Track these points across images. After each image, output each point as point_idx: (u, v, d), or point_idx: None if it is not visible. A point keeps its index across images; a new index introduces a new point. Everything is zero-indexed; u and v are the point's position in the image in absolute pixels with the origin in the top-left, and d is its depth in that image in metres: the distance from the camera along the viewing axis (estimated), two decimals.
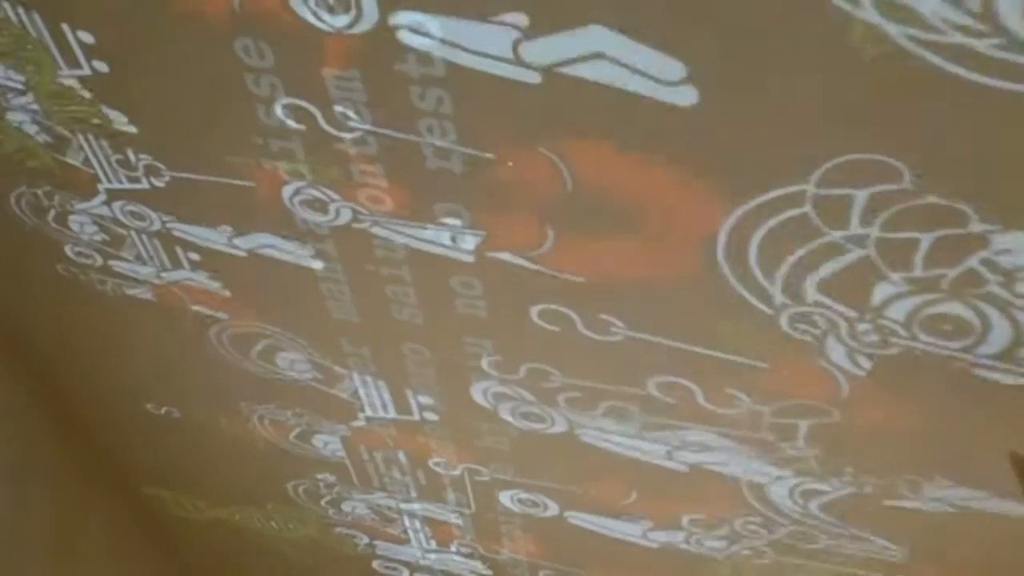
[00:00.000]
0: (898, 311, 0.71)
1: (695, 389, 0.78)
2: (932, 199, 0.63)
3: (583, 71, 0.64)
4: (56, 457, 1.34)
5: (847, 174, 0.64)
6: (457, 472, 1.10)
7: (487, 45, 0.65)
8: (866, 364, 0.76)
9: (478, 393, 0.96)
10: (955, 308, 0.70)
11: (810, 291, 0.71)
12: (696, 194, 0.67)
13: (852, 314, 0.72)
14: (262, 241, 0.96)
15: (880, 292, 0.70)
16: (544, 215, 0.74)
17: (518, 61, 0.65)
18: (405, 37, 0.67)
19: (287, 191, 0.86)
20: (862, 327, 0.73)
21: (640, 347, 0.77)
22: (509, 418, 0.97)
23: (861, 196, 0.64)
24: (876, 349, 0.74)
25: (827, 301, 0.71)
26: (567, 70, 0.64)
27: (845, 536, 0.99)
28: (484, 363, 0.88)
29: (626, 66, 0.62)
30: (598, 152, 0.67)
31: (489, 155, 0.71)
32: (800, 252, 0.68)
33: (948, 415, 0.80)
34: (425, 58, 0.68)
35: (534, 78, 0.66)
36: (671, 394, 0.81)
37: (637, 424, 0.87)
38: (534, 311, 0.78)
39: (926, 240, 0.65)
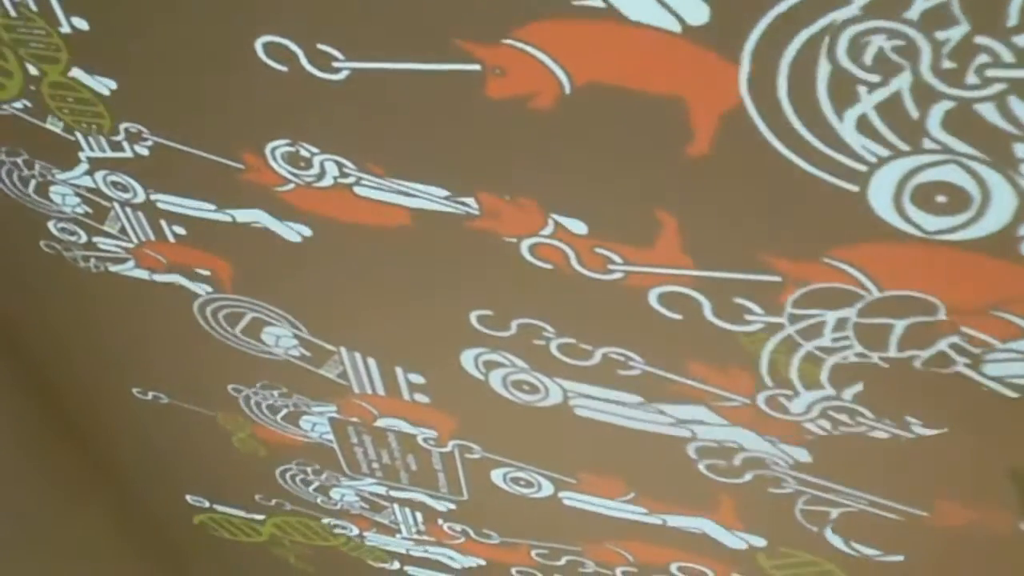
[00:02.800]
0: None
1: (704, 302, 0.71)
2: None
3: None
4: (38, 443, 1.28)
5: None
6: (447, 449, 1.03)
7: None
8: None
9: (468, 361, 0.89)
10: None
11: None
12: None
13: None
14: (250, 215, 0.91)
15: None
16: None
17: None
18: None
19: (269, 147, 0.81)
20: None
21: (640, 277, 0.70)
22: (501, 389, 0.91)
23: None
24: None
25: None
26: None
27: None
28: (473, 319, 0.81)
29: None
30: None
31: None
32: None
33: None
34: None
35: None
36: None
37: (635, 384, 0.80)
38: (524, 245, 0.71)
39: None
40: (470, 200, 0.74)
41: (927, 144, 0.56)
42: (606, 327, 0.75)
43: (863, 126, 0.57)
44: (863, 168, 0.59)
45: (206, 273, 0.99)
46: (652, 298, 0.70)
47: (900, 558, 0.89)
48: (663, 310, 0.72)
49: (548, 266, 0.72)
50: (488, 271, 0.77)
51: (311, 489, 1.24)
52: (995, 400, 0.73)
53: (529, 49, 0.62)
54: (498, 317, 0.80)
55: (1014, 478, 0.81)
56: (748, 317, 0.67)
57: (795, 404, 0.76)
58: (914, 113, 0.55)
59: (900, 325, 0.66)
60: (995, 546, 0.86)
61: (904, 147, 0.57)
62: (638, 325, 0.73)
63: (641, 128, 0.63)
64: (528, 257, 0.72)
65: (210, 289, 1.01)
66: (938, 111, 0.55)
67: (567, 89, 0.63)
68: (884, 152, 0.58)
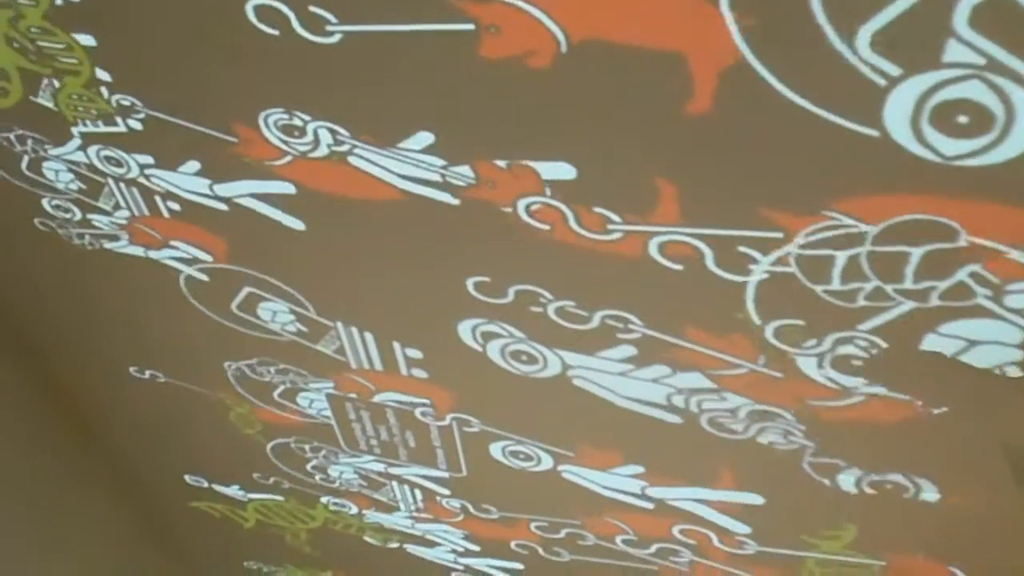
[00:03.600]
0: None
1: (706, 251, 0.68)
2: None
3: None
4: (35, 424, 1.26)
5: None
6: (445, 423, 1.02)
7: None
8: None
9: (466, 332, 0.87)
10: None
11: None
12: None
13: None
14: (243, 188, 0.89)
15: None
16: None
17: None
18: None
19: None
20: None
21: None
22: (499, 360, 0.89)
23: None
24: None
25: None
26: None
27: None
28: (470, 286, 0.80)
29: None
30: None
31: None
32: None
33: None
34: None
35: None
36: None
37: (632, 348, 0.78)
38: (521, 205, 0.69)
39: None
40: (465, 168, 0.73)
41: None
42: (604, 288, 0.73)
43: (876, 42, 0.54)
44: (881, 82, 0.56)
45: (201, 249, 0.98)
46: (652, 249, 0.68)
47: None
48: (664, 261, 0.69)
49: (545, 227, 0.70)
50: (485, 237, 0.75)
51: (309, 467, 1.22)
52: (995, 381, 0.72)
53: (524, 5, 0.60)
54: (495, 284, 0.78)
55: (1007, 453, 0.80)
56: (751, 267, 0.65)
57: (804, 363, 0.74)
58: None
59: (917, 253, 0.62)
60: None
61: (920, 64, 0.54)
62: (637, 284, 0.71)
63: (640, 85, 0.61)
64: (525, 218, 0.70)
65: (206, 264, 0.99)
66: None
67: (563, 47, 0.61)
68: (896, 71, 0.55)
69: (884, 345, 0.70)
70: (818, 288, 0.67)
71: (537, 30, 0.61)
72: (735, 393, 0.79)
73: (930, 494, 0.84)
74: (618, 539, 1.02)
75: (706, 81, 0.58)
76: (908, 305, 0.66)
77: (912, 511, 0.87)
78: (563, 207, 0.68)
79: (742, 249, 0.66)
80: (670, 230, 0.67)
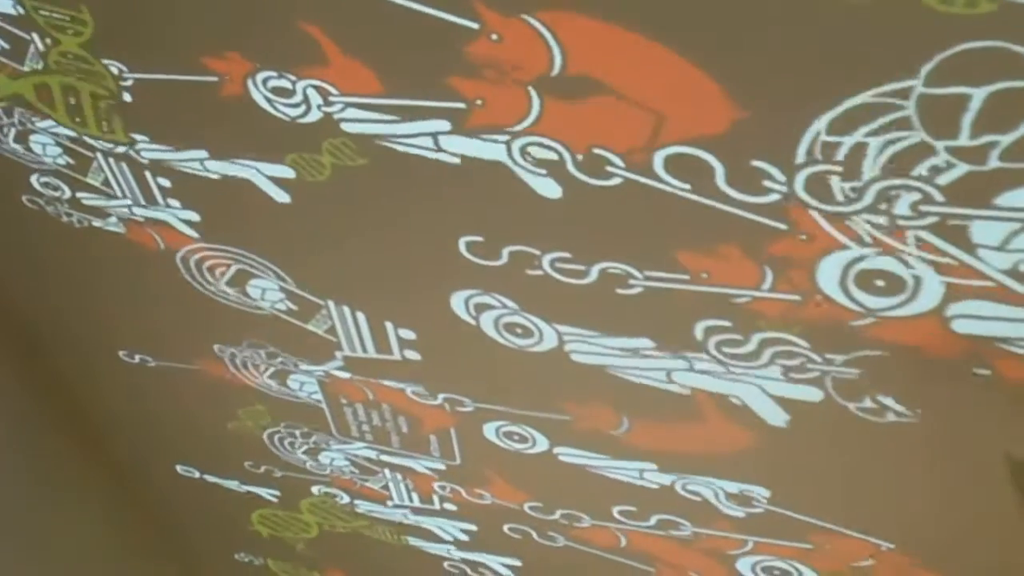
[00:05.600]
0: None
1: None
2: None
3: None
4: (22, 408, 1.22)
5: None
6: (437, 403, 0.97)
7: None
8: None
9: (459, 304, 0.83)
10: None
11: None
12: None
13: None
14: (235, 164, 0.85)
15: None
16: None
17: None
18: None
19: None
20: None
21: (638, 190, 0.64)
22: (493, 333, 0.84)
23: None
24: None
25: None
26: None
27: None
28: (463, 247, 0.75)
29: None
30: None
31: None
32: None
33: None
34: None
35: None
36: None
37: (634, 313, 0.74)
38: (516, 147, 0.65)
39: None
40: (459, 104, 0.68)
41: None
42: (604, 237, 0.68)
43: None
44: None
45: (190, 225, 0.94)
46: (657, 165, 0.62)
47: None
48: (670, 178, 0.63)
49: (542, 171, 0.65)
50: (477, 191, 0.70)
51: (300, 453, 1.17)
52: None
53: None
54: (489, 244, 0.74)
55: (1011, 465, 0.77)
56: (766, 183, 0.60)
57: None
58: None
59: (979, 96, 0.54)
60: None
61: None
62: (639, 229, 0.66)
63: None
64: (520, 161, 0.66)
65: (195, 242, 0.95)
66: None
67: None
68: None
69: None
70: None
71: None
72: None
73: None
74: (615, 510, 0.97)
75: None
76: None
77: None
78: (560, 147, 0.63)
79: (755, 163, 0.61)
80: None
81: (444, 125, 0.69)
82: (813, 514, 0.91)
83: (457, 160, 0.70)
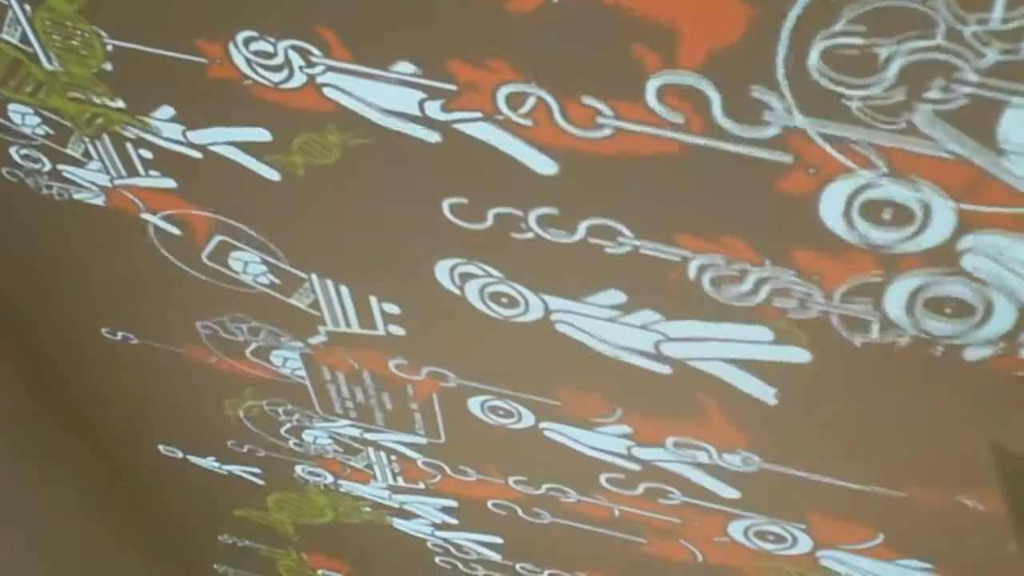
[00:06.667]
0: None
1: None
2: None
3: None
4: (3, 387, 1.20)
5: None
6: (421, 376, 0.95)
7: None
8: None
9: (443, 274, 0.81)
10: None
11: None
12: None
13: None
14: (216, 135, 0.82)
15: None
16: None
17: None
18: None
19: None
20: None
21: (633, 140, 0.61)
22: (478, 303, 0.82)
23: None
24: None
25: None
26: None
27: None
28: (447, 209, 0.73)
29: None
30: None
31: None
32: None
33: None
34: None
35: None
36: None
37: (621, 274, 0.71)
38: (500, 94, 0.62)
39: None
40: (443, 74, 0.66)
41: None
42: (592, 191, 0.65)
43: None
44: None
45: (172, 196, 0.91)
46: (649, 94, 0.59)
47: None
48: (662, 110, 0.59)
49: (527, 123, 0.63)
50: (461, 150, 0.68)
51: (283, 431, 1.15)
52: None
53: None
54: (473, 206, 0.71)
55: (994, 451, 0.75)
56: (767, 116, 0.57)
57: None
58: None
59: None
60: None
61: None
62: (629, 184, 0.64)
63: None
64: (505, 111, 0.63)
65: (176, 212, 0.93)
66: None
67: None
68: None
69: None
70: None
71: None
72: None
73: None
74: (602, 478, 0.95)
75: None
76: None
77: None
78: (547, 96, 0.60)
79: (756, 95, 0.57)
80: (667, 135, 0.59)
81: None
82: (809, 470, 0.88)
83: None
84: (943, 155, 0.58)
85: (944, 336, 0.69)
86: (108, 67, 0.80)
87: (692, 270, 0.71)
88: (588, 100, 0.60)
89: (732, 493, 0.93)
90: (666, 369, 0.81)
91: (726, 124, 0.59)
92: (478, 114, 0.65)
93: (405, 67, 0.66)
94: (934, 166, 0.59)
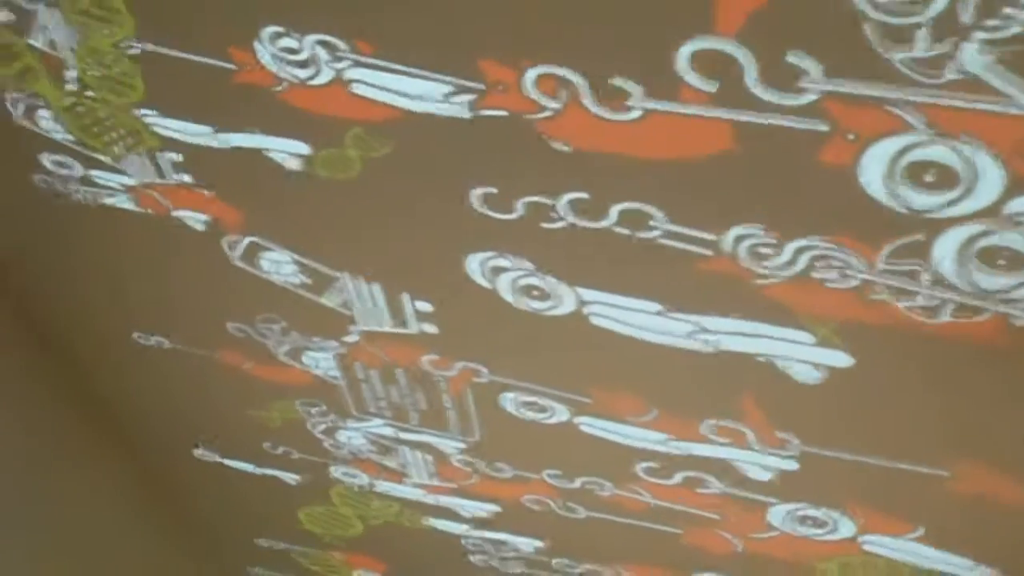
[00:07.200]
0: None
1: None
2: None
3: None
4: (37, 392, 1.19)
5: None
6: (454, 372, 0.94)
7: None
8: None
9: (474, 268, 0.80)
10: None
11: None
12: None
13: None
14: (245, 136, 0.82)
15: None
16: None
17: None
18: None
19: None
20: None
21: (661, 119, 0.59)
22: (510, 297, 0.81)
23: None
24: None
25: None
26: None
27: None
28: (475, 200, 0.72)
29: None
30: None
31: None
32: None
33: None
34: None
35: None
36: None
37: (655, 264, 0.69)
38: (528, 80, 0.61)
39: None
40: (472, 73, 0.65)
41: None
42: (623, 176, 0.64)
43: None
44: None
45: (201, 202, 0.91)
46: (680, 60, 0.57)
47: None
48: (694, 78, 0.57)
49: (556, 105, 0.62)
50: (490, 139, 0.66)
51: (318, 431, 1.14)
52: None
53: None
54: (503, 196, 0.70)
55: None
56: (803, 84, 0.55)
57: None
58: None
59: None
60: None
61: None
62: (662, 165, 0.62)
63: None
64: (532, 94, 0.62)
65: (205, 215, 0.92)
66: None
67: None
68: None
69: None
70: None
71: None
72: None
73: None
74: (638, 467, 0.93)
75: None
76: None
77: None
78: (577, 78, 0.59)
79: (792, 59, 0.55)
80: (698, 112, 0.58)
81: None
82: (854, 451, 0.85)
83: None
84: (993, 108, 0.55)
85: (996, 291, 0.65)
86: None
87: (728, 242, 0.69)
88: (618, 81, 0.58)
89: (771, 477, 0.91)
90: (704, 357, 0.80)
91: (760, 93, 0.57)
92: (504, 112, 0.64)
93: (430, 61, 0.65)
94: (981, 121, 0.57)
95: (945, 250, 0.64)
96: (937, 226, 0.63)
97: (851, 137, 0.59)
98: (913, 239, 0.64)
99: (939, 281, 0.66)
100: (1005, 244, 0.63)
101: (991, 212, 0.61)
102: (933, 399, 0.77)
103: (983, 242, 0.63)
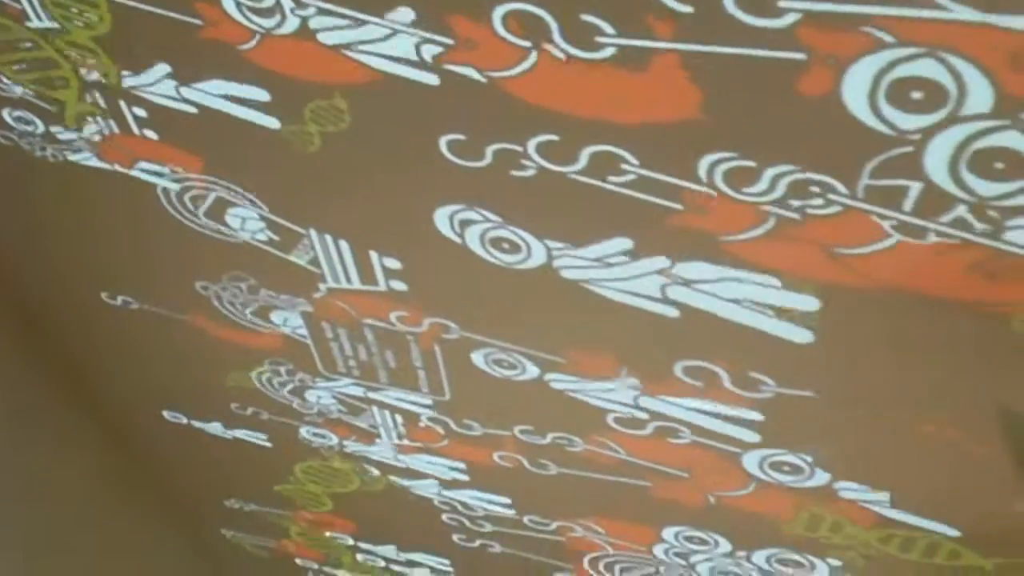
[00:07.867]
0: None
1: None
2: None
3: None
4: (3, 353, 1.17)
5: None
6: (423, 328, 0.92)
7: None
8: None
9: (443, 221, 0.78)
10: None
11: None
12: None
13: None
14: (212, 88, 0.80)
15: None
16: None
17: None
18: None
19: None
20: None
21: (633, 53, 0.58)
22: (479, 249, 0.80)
23: None
24: None
25: None
26: None
27: None
28: (444, 147, 0.70)
29: None
30: None
31: None
32: None
33: None
34: None
35: None
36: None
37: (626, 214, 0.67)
38: (497, 14, 0.59)
39: None
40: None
41: None
42: (594, 114, 0.62)
43: None
44: None
45: (168, 158, 0.89)
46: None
47: None
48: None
49: (525, 43, 0.60)
50: (458, 87, 0.65)
51: (286, 391, 1.13)
52: None
53: None
54: (471, 143, 0.69)
55: (1004, 418, 0.72)
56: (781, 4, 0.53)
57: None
58: None
59: None
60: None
61: None
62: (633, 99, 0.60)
63: None
64: (501, 32, 0.60)
65: (172, 172, 0.90)
66: None
67: None
68: None
69: None
70: None
71: None
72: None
73: None
74: (609, 418, 0.92)
75: None
76: None
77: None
78: (544, 13, 0.57)
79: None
80: (669, 46, 0.56)
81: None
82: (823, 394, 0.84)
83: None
84: (975, 19, 0.52)
85: (991, 198, 0.62)
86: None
87: (703, 168, 0.66)
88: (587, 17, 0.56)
89: (747, 425, 0.90)
90: (675, 313, 0.79)
91: (738, 15, 0.55)
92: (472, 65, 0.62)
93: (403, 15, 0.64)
94: (967, 34, 0.54)
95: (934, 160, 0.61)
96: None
97: (830, 61, 0.56)
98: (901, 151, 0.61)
99: (930, 190, 0.63)
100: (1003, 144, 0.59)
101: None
102: (899, 356, 0.77)
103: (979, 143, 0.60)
